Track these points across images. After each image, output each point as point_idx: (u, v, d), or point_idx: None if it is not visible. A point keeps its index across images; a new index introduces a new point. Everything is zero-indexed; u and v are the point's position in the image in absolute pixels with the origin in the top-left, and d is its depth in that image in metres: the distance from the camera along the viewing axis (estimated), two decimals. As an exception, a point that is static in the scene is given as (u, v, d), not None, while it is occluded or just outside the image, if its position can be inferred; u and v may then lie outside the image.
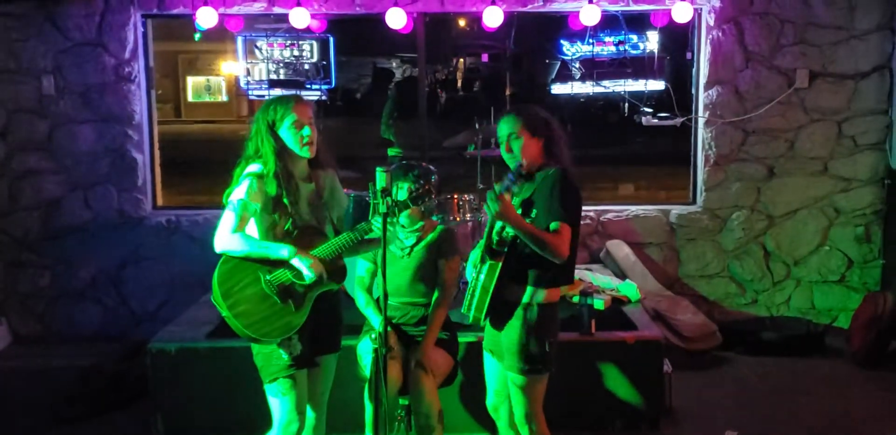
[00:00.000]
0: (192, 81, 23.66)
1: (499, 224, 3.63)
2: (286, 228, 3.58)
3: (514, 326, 3.64)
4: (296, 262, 3.52)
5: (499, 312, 3.65)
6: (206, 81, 23.65)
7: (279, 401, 3.61)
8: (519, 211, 3.59)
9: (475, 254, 3.75)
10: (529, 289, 3.62)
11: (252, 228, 3.59)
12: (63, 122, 6.79)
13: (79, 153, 6.81)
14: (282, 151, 3.57)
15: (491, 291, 3.57)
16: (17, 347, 6.82)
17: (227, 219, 3.52)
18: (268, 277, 3.55)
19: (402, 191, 4.18)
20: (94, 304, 6.94)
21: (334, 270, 3.67)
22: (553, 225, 3.49)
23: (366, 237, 3.68)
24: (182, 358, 4.96)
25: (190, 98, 23.79)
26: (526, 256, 3.57)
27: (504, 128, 3.70)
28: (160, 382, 4.99)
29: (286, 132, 3.57)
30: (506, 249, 3.60)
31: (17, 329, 6.93)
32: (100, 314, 6.94)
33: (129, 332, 6.81)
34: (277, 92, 7.11)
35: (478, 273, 3.63)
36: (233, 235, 3.50)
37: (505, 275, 3.59)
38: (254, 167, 3.57)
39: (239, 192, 3.53)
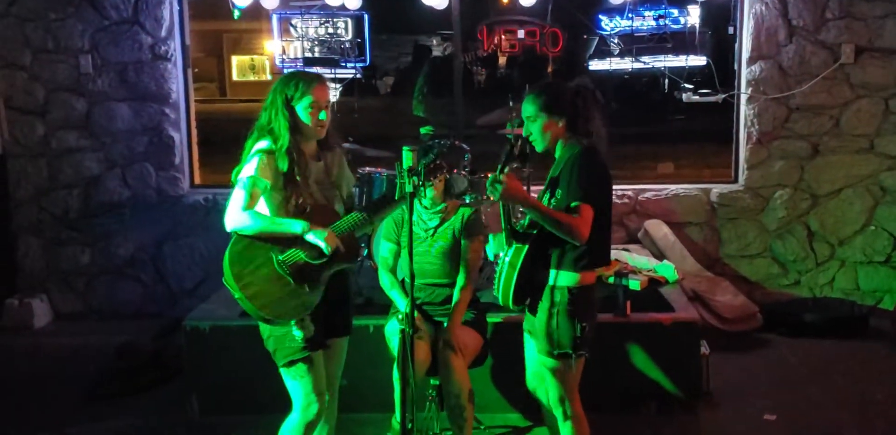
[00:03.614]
0: (236, 60, 23.75)
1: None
2: (297, 205, 3.51)
3: (542, 310, 3.59)
4: (310, 236, 3.45)
5: (532, 296, 3.61)
6: (250, 60, 23.71)
7: (296, 384, 3.58)
8: (547, 194, 3.52)
9: (499, 238, 3.71)
10: (553, 271, 3.55)
11: (262, 207, 3.53)
12: (101, 101, 6.83)
13: (116, 131, 6.86)
14: (295, 128, 3.52)
15: (516, 274, 3.50)
16: (58, 323, 6.91)
17: (237, 196, 3.46)
18: (280, 257, 3.48)
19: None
20: (134, 281, 7.00)
21: (348, 248, 3.59)
22: (573, 205, 3.40)
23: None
24: (216, 336, 4.98)
25: (235, 77, 23.90)
26: (549, 238, 3.49)
27: (524, 109, 3.63)
28: (194, 359, 5.03)
29: (302, 111, 3.53)
30: (534, 231, 3.53)
31: (59, 306, 7.01)
32: (139, 292, 7.01)
33: (167, 309, 6.86)
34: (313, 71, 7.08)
35: (504, 255, 3.58)
36: (243, 212, 3.44)
37: (533, 258, 3.53)
38: (262, 144, 3.53)
39: (248, 169, 3.48)
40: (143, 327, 6.32)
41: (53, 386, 5.55)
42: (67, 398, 5.34)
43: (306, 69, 7.00)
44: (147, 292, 7.00)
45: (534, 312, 3.65)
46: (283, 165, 3.48)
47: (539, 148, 3.62)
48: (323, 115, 3.56)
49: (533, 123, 3.58)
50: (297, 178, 3.50)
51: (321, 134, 3.61)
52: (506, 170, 3.39)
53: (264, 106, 3.58)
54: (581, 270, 3.53)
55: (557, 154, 3.64)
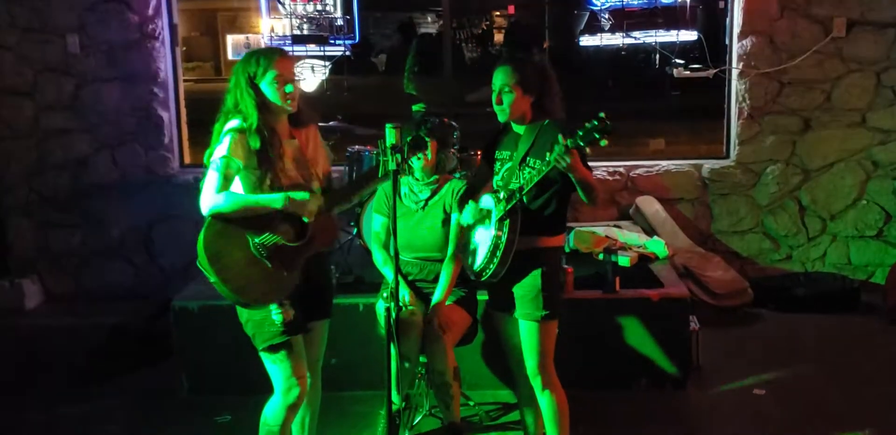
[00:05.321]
0: (231, 39, 23.61)
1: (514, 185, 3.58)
2: (273, 184, 3.41)
3: (533, 275, 3.66)
4: (290, 208, 3.38)
5: (512, 264, 3.63)
6: (245, 39, 23.58)
7: (277, 368, 3.53)
8: (526, 170, 3.53)
9: (471, 211, 3.79)
10: (542, 237, 3.66)
11: (237, 188, 3.43)
12: (89, 81, 6.78)
13: (105, 112, 6.81)
14: (262, 105, 3.42)
15: (514, 247, 3.57)
16: (50, 305, 6.91)
17: (211, 178, 3.35)
18: (256, 240, 3.39)
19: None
20: (125, 262, 6.99)
21: (326, 231, 3.55)
22: None
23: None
24: (204, 316, 4.97)
25: (230, 56, 23.78)
26: (534, 208, 3.63)
27: (498, 79, 3.65)
28: (184, 339, 5.02)
29: (267, 87, 3.42)
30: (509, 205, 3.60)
31: (51, 288, 7.01)
32: (130, 273, 7.00)
33: (158, 290, 6.84)
34: (301, 48, 7.04)
35: (498, 231, 3.61)
36: (218, 194, 3.33)
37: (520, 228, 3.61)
38: (233, 123, 3.42)
39: (220, 149, 3.37)
40: (135, 308, 6.30)
41: (45, 367, 5.56)
42: (59, 379, 5.35)
43: (294, 47, 6.99)
44: (138, 273, 6.99)
45: (515, 280, 3.69)
46: (255, 144, 3.38)
47: (502, 118, 3.72)
48: (290, 88, 3.44)
49: (506, 95, 3.63)
50: (271, 156, 3.42)
51: (292, 108, 3.49)
52: (580, 143, 3.31)
53: (228, 88, 3.46)
54: (556, 234, 3.72)
55: (522, 130, 3.71)
